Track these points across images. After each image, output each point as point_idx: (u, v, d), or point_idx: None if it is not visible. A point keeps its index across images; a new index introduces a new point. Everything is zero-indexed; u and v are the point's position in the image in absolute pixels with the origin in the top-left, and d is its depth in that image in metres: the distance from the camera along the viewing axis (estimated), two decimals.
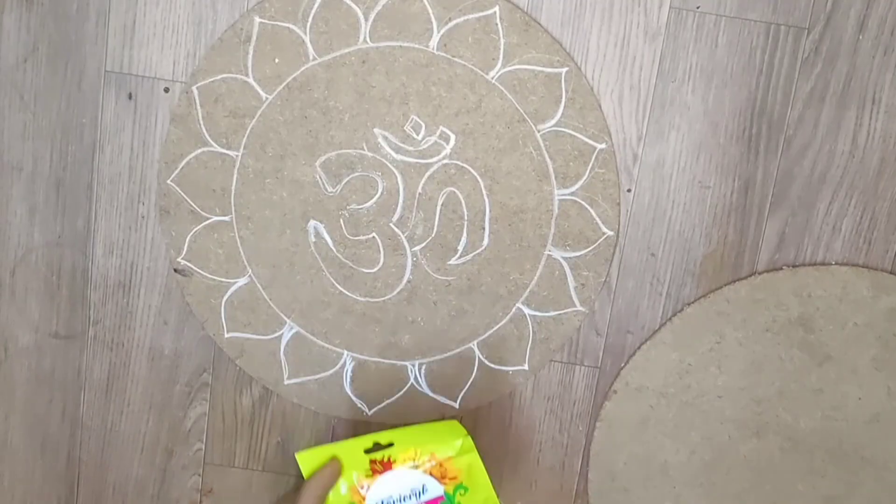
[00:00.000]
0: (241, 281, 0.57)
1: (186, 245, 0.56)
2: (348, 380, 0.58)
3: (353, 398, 0.58)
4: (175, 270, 0.57)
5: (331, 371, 0.58)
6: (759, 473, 0.58)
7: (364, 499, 0.52)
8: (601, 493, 0.59)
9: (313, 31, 0.54)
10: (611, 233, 0.56)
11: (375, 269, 0.56)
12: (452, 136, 0.55)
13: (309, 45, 0.54)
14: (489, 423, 0.59)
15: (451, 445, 0.52)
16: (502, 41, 0.54)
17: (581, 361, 0.58)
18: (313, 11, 0.54)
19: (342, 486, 0.51)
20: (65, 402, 0.60)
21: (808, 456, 0.58)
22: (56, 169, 0.57)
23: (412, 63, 0.54)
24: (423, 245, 0.56)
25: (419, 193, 0.56)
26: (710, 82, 0.55)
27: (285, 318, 0.57)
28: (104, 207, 0.57)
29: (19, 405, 0.60)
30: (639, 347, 0.58)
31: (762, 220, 0.56)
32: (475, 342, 0.57)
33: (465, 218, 0.56)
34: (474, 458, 0.53)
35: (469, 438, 0.52)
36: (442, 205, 0.56)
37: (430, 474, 0.52)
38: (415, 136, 0.55)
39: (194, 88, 0.55)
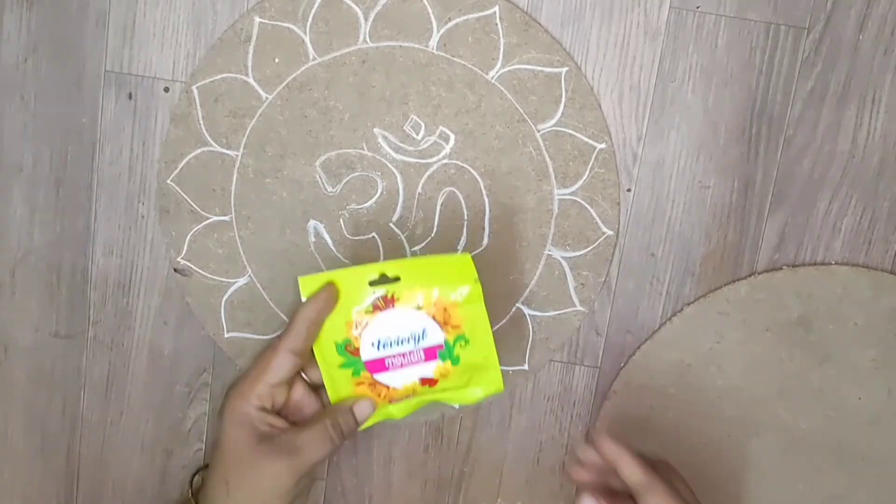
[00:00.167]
0: (241, 281, 0.57)
1: (186, 245, 0.56)
2: None
3: None
4: (175, 270, 0.57)
5: None
6: (760, 473, 0.58)
7: (360, 336, 0.49)
8: None
9: (313, 30, 0.54)
10: (611, 233, 0.56)
11: None
12: (452, 136, 0.55)
13: (309, 44, 0.54)
14: (489, 423, 0.59)
15: (459, 291, 0.49)
16: (502, 41, 0.54)
17: (581, 361, 0.58)
18: (313, 11, 0.54)
19: (339, 319, 0.49)
20: (64, 402, 0.60)
21: (809, 456, 0.58)
22: (56, 169, 0.57)
23: (412, 63, 0.54)
24: (422, 245, 0.56)
25: (419, 193, 0.56)
26: (709, 82, 0.55)
27: (285, 318, 0.57)
28: (104, 207, 0.57)
29: (19, 405, 0.60)
30: (639, 347, 0.58)
31: (762, 219, 0.56)
32: None
33: (465, 218, 0.56)
34: (480, 311, 0.50)
35: (478, 285, 0.49)
36: (441, 205, 0.56)
37: (433, 318, 0.49)
38: (414, 135, 0.55)
39: (194, 88, 0.55)
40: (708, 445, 0.58)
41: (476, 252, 0.56)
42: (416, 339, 0.50)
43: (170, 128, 0.55)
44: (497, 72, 0.54)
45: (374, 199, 0.56)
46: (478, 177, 0.56)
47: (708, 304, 0.57)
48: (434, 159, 0.55)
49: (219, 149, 0.55)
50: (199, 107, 0.55)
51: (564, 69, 0.54)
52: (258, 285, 0.57)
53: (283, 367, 0.49)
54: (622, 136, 0.55)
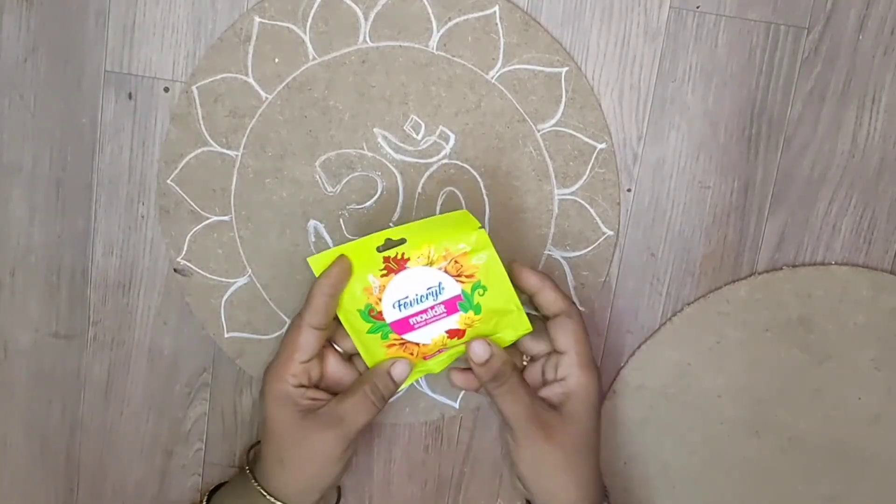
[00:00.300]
0: (241, 280, 0.57)
1: (186, 245, 0.56)
2: None
3: None
4: (175, 270, 0.57)
5: None
6: (760, 473, 0.58)
7: (380, 300, 0.50)
8: None
9: (313, 30, 0.54)
10: (611, 232, 0.56)
11: None
12: (452, 136, 0.55)
13: (309, 44, 0.54)
14: (489, 423, 0.59)
15: (466, 240, 0.49)
16: (502, 41, 0.54)
17: None
18: (313, 11, 0.54)
19: (357, 287, 0.50)
20: (64, 402, 0.60)
21: (809, 456, 0.58)
22: (56, 169, 0.57)
23: (412, 63, 0.54)
24: None
25: (419, 193, 0.56)
26: (709, 82, 0.55)
27: (285, 318, 0.57)
28: (104, 207, 0.57)
29: (19, 405, 0.60)
30: (638, 347, 0.58)
31: (762, 219, 0.56)
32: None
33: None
34: (491, 256, 0.49)
35: (483, 232, 0.49)
36: (441, 204, 0.56)
37: (446, 272, 0.50)
38: (414, 135, 0.55)
39: (194, 88, 0.55)
40: (708, 445, 0.58)
41: None
42: (435, 294, 0.50)
43: (170, 128, 0.55)
44: (497, 72, 0.54)
45: (374, 199, 0.56)
46: (478, 177, 0.56)
47: (708, 304, 0.57)
48: (434, 159, 0.55)
49: (219, 149, 0.55)
50: (198, 107, 0.55)
51: (564, 69, 0.54)
52: (258, 285, 0.57)
53: (310, 344, 0.50)
54: (622, 136, 0.55)
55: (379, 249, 0.50)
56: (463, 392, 0.58)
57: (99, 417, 0.60)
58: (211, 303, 0.57)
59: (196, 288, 0.57)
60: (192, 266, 0.57)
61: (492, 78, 0.54)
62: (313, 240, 0.56)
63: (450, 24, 0.54)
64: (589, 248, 0.56)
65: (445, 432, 0.59)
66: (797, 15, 0.54)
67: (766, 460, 0.58)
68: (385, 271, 0.50)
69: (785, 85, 0.55)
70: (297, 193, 0.56)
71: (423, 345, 0.52)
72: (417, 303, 0.50)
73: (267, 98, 0.55)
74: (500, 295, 0.50)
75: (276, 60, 0.54)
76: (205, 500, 0.55)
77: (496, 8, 0.54)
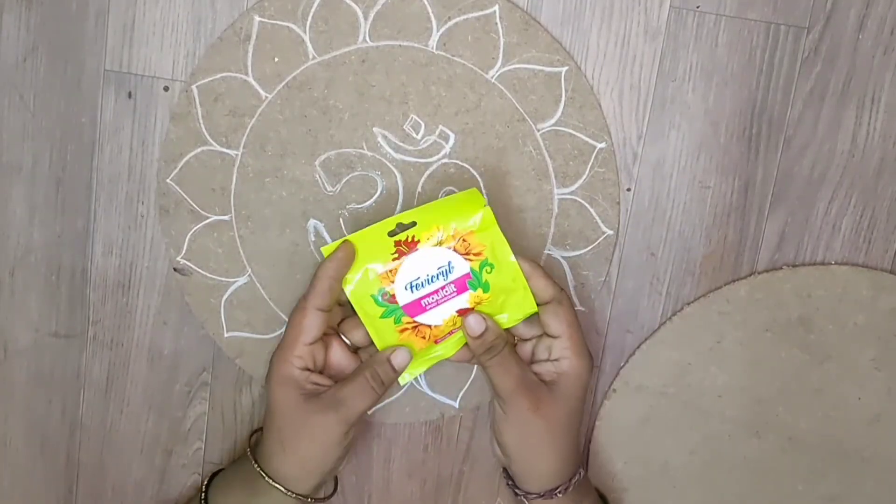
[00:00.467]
0: (241, 280, 0.57)
1: (186, 244, 0.56)
2: None
3: None
4: (175, 270, 0.57)
5: None
6: (760, 473, 0.58)
7: (393, 282, 0.51)
8: (601, 492, 0.58)
9: (313, 30, 0.54)
10: (610, 232, 0.56)
11: None
12: (452, 136, 0.55)
13: (308, 44, 0.54)
14: (489, 423, 0.59)
15: (473, 219, 0.51)
16: (502, 40, 0.54)
17: None
18: (313, 10, 0.54)
19: (370, 272, 0.51)
20: (64, 402, 0.59)
21: (809, 456, 0.58)
22: (55, 168, 0.57)
23: (412, 62, 0.54)
24: None
25: (419, 192, 0.56)
26: (710, 82, 0.55)
27: (285, 318, 0.57)
28: (103, 207, 0.57)
29: (18, 405, 0.60)
30: (638, 347, 0.58)
31: (762, 219, 0.56)
32: None
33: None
34: (496, 235, 0.51)
35: (489, 210, 0.51)
36: None
37: (455, 251, 0.51)
38: (414, 135, 0.55)
39: (194, 87, 0.55)
40: (708, 445, 0.58)
41: None
42: (445, 273, 0.51)
43: (169, 127, 0.55)
44: (497, 71, 0.54)
45: (373, 199, 0.56)
46: (478, 176, 0.55)
47: (708, 303, 0.57)
48: (434, 158, 0.55)
49: (218, 148, 0.55)
50: (198, 106, 0.55)
51: (564, 68, 0.54)
52: (258, 285, 0.57)
53: (314, 325, 0.51)
54: (622, 136, 0.55)
55: (390, 234, 0.51)
56: (463, 391, 0.58)
57: (99, 417, 0.60)
58: (211, 302, 0.57)
59: (196, 287, 0.57)
60: (191, 265, 0.57)
61: (492, 77, 0.54)
62: (313, 239, 0.56)
63: (450, 23, 0.54)
64: (589, 248, 0.56)
65: (445, 431, 0.59)
66: (797, 15, 0.54)
67: (767, 460, 0.58)
68: (397, 255, 0.51)
69: (785, 85, 0.55)
70: (297, 193, 0.56)
71: (435, 326, 0.52)
72: (429, 283, 0.52)
73: (267, 97, 0.55)
74: (507, 273, 0.52)
75: (276, 60, 0.54)
76: (205, 483, 0.55)
77: (496, 7, 0.54)
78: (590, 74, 0.55)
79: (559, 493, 0.52)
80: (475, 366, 0.58)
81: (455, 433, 0.59)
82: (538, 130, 0.55)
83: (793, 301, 0.56)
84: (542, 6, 0.54)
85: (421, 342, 0.53)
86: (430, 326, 0.52)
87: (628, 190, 0.56)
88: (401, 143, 0.55)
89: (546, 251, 0.56)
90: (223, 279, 0.57)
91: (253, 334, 0.57)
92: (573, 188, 0.56)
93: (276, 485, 0.51)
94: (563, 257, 0.56)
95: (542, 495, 0.53)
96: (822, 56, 0.55)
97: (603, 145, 0.55)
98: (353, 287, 0.51)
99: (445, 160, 0.55)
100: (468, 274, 0.52)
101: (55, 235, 0.57)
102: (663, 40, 0.55)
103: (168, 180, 0.56)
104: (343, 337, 0.54)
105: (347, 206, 0.56)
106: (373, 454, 0.59)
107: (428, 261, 0.51)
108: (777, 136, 0.55)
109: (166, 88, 0.55)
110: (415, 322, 0.52)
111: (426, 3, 0.54)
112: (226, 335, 0.57)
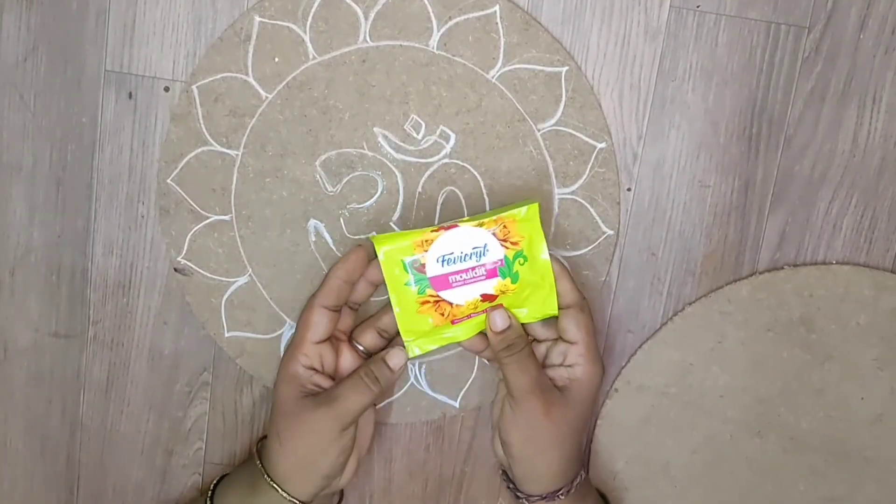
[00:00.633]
0: (242, 280, 0.57)
1: (186, 244, 0.56)
2: None
3: None
4: (175, 270, 0.57)
5: None
6: (761, 473, 0.58)
7: (427, 251, 0.51)
8: (602, 492, 0.58)
9: (313, 30, 0.54)
10: (611, 232, 0.56)
11: None
12: (452, 136, 0.55)
13: (309, 44, 0.54)
14: (490, 423, 0.59)
15: (519, 208, 0.51)
16: (502, 40, 0.54)
17: None
18: (313, 10, 0.54)
19: (411, 238, 0.51)
20: (64, 402, 0.59)
21: (810, 456, 0.58)
22: (56, 168, 0.57)
23: (412, 62, 0.54)
24: None
25: (419, 192, 0.56)
26: (710, 81, 0.55)
27: (286, 318, 0.57)
28: (104, 207, 0.57)
29: (18, 405, 0.60)
30: (639, 347, 0.58)
31: (763, 219, 0.56)
32: None
33: (466, 217, 0.56)
34: (536, 229, 0.51)
35: (537, 205, 0.51)
36: (442, 204, 0.56)
37: (494, 235, 0.51)
38: (415, 135, 0.55)
39: (194, 87, 0.55)
40: (709, 445, 0.58)
41: None
42: (479, 255, 0.51)
43: (170, 127, 0.55)
44: (497, 71, 0.54)
45: (374, 199, 0.56)
46: (478, 176, 0.55)
47: (709, 303, 0.57)
48: (434, 159, 0.55)
49: (219, 148, 0.55)
50: (199, 106, 0.55)
51: (565, 68, 0.54)
52: (258, 285, 0.57)
53: (321, 323, 0.52)
54: (622, 136, 0.55)
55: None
56: (463, 391, 0.58)
57: (99, 417, 0.60)
58: (211, 302, 0.57)
59: (196, 287, 0.57)
60: (192, 265, 0.57)
61: (492, 77, 0.54)
62: (313, 239, 0.56)
63: (450, 23, 0.54)
64: (589, 248, 0.56)
65: (446, 431, 0.59)
66: (798, 14, 0.54)
67: (768, 460, 0.58)
68: (437, 229, 0.51)
69: (786, 84, 0.55)
70: (298, 193, 0.56)
71: (456, 305, 0.52)
72: (461, 261, 0.52)
73: (267, 97, 0.55)
74: (538, 269, 0.52)
75: (277, 60, 0.54)
76: (214, 483, 0.55)
77: (496, 7, 0.54)
78: (590, 74, 0.55)
79: (561, 495, 0.52)
80: (476, 365, 0.58)
81: (456, 433, 0.59)
82: (538, 130, 0.55)
83: (794, 301, 0.56)
84: (543, 6, 0.54)
85: (439, 318, 0.53)
86: (451, 304, 0.52)
87: (628, 190, 0.56)
88: (401, 143, 0.55)
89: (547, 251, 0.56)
90: (224, 279, 0.57)
91: (253, 334, 0.57)
92: (573, 188, 0.56)
93: (275, 485, 0.51)
94: (563, 257, 0.56)
95: (544, 497, 0.52)
96: (823, 55, 0.55)
97: (603, 145, 0.55)
98: (389, 248, 0.51)
99: (446, 160, 0.55)
100: (501, 261, 0.52)
101: (55, 235, 0.57)
102: (663, 40, 0.55)
103: (168, 180, 0.56)
104: (355, 344, 0.54)
105: (348, 206, 0.56)
106: (374, 454, 0.59)
107: (466, 238, 0.51)
108: (777, 135, 0.55)
109: (167, 89, 0.55)
110: (437, 296, 0.52)
111: (427, 2, 0.54)
112: (226, 335, 0.57)
